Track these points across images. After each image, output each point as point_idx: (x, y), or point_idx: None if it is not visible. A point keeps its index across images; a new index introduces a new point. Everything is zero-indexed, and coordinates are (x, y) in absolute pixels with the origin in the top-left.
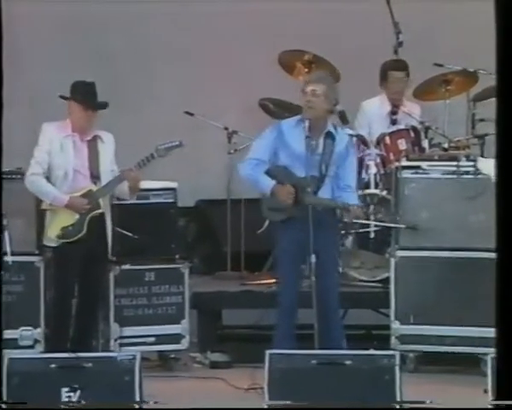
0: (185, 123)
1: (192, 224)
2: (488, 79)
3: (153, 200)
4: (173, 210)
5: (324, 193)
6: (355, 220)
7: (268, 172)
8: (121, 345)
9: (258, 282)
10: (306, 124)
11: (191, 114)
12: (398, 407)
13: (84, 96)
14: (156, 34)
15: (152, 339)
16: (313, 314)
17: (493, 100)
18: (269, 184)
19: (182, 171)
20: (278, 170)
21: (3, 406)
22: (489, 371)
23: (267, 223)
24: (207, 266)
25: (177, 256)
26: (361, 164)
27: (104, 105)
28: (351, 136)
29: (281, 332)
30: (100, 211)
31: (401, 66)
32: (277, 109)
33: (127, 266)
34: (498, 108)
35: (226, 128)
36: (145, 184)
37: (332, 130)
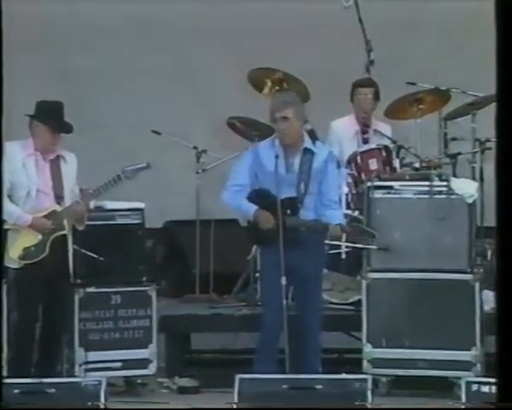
0: (152, 142)
1: (160, 245)
2: (460, 98)
3: (119, 221)
4: (140, 231)
5: (307, 212)
6: (332, 242)
7: (250, 197)
8: (86, 370)
9: (228, 305)
10: (276, 143)
11: (158, 133)
12: None
13: (50, 117)
14: (122, 51)
15: (118, 364)
16: (285, 337)
17: (465, 119)
18: (250, 209)
19: (149, 191)
20: (259, 193)
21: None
22: (463, 396)
23: (254, 248)
24: (176, 288)
25: (144, 278)
26: None
27: (70, 128)
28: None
29: (262, 357)
30: (63, 232)
31: (367, 82)
32: (245, 128)
33: (92, 289)
34: (498, 110)
35: (195, 147)
36: (111, 205)
37: (310, 146)
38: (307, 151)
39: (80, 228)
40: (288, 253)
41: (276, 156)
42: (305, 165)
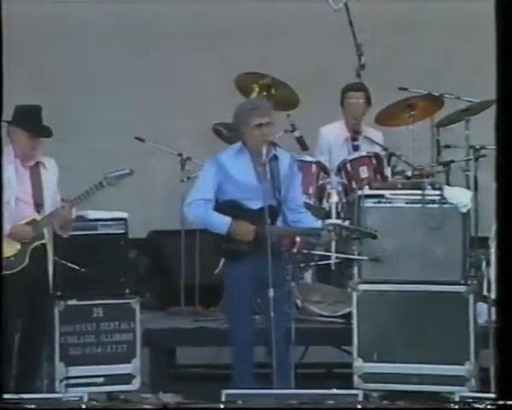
0: (136, 149)
1: (143, 256)
2: (454, 104)
3: (101, 231)
4: (123, 242)
5: (281, 221)
6: (319, 252)
7: (219, 209)
8: (67, 386)
9: (214, 318)
10: (246, 151)
11: (142, 140)
12: None
13: (28, 121)
14: (105, 55)
15: (100, 379)
16: (268, 352)
17: (459, 125)
18: (224, 221)
19: (133, 200)
20: (229, 205)
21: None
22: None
23: (222, 261)
24: (160, 301)
25: (127, 291)
26: (322, 192)
27: (49, 132)
28: (310, 163)
29: (238, 373)
30: (43, 241)
31: (358, 87)
32: (232, 135)
33: (73, 302)
34: (498, 110)
35: (179, 154)
36: (93, 214)
37: (275, 152)
38: (273, 158)
39: (65, 235)
40: (261, 264)
41: (270, 159)
42: (274, 172)
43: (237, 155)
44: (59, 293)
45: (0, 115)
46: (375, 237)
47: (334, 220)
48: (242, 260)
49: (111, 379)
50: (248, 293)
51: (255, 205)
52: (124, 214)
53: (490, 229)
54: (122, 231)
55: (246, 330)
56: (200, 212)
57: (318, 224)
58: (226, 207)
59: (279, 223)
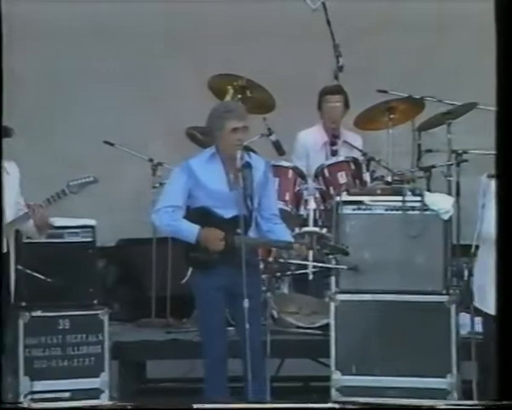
0: (105, 154)
1: (112, 265)
2: (435, 107)
3: (68, 239)
4: (91, 250)
5: (254, 230)
6: (295, 261)
7: (188, 217)
8: (32, 401)
9: (186, 330)
10: (218, 157)
11: (111, 144)
12: None
13: None
14: (75, 57)
15: (67, 394)
16: (242, 364)
17: (440, 129)
18: (193, 230)
19: (101, 207)
20: (200, 213)
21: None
22: None
23: (190, 271)
24: (130, 312)
25: (95, 301)
26: (299, 199)
27: (8, 132)
28: (286, 168)
29: (211, 387)
30: (4, 250)
31: (335, 90)
32: (206, 139)
33: (38, 313)
34: (498, 111)
35: (150, 160)
36: (60, 222)
37: (248, 159)
38: (246, 165)
39: (41, 237)
40: (234, 275)
41: (247, 164)
42: (247, 179)
43: (209, 161)
44: (23, 304)
45: (0, 115)
46: (346, 253)
47: (311, 228)
48: (212, 270)
49: (78, 394)
50: (220, 304)
51: (227, 214)
52: (92, 222)
53: (472, 236)
54: (90, 240)
55: (217, 343)
56: (168, 219)
57: (290, 236)
58: (197, 215)
59: (252, 233)
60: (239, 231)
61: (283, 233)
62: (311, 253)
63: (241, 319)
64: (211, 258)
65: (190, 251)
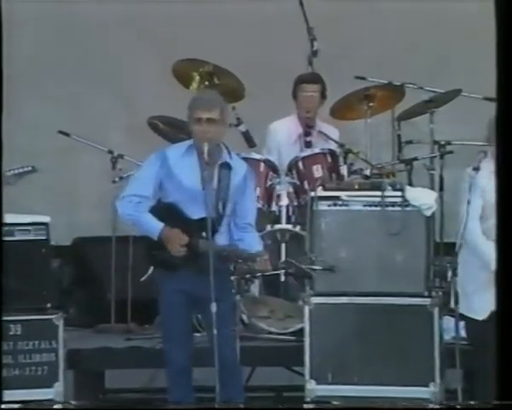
0: (59, 145)
1: (68, 266)
2: (416, 94)
3: (19, 237)
4: (45, 249)
5: (222, 236)
6: (261, 274)
7: (154, 211)
8: None
9: (149, 336)
10: (195, 150)
11: (66, 135)
12: None
13: None
14: (30, 43)
15: (17, 405)
16: (212, 373)
17: (422, 118)
18: (156, 227)
19: (56, 202)
20: (166, 209)
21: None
22: None
23: (151, 269)
24: (87, 317)
25: (48, 305)
26: (270, 194)
27: None
28: (258, 161)
29: (175, 396)
30: None
31: (313, 78)
32: (169, 129)
33: None
34: (498, 110)
35: (110, 151)
36: (10, 218)
37: (228, 159)
38: (225, 165)
39: None
40: (196, 279)
41: (207, 163)
42: (223, 181)
43: (185, 154)
44: None
45: (0, 115)
46: (310, 276)
47: (283, 225)
48: (174, 272)
49: (30, 405)
50: (181, 308)
51: (195, 214)
52: (45, 218)
53: (457, 234)
54: (43, 238)
55: (179, 349)
56: (130, 210)
57: (259, 247)
58: (164, 210)
59: (221, 238)
60: (204, 234)
61: (251, 242)
62: (283, 251)
63: (210, 325)
64: (173, 259)
65: (152, 249)
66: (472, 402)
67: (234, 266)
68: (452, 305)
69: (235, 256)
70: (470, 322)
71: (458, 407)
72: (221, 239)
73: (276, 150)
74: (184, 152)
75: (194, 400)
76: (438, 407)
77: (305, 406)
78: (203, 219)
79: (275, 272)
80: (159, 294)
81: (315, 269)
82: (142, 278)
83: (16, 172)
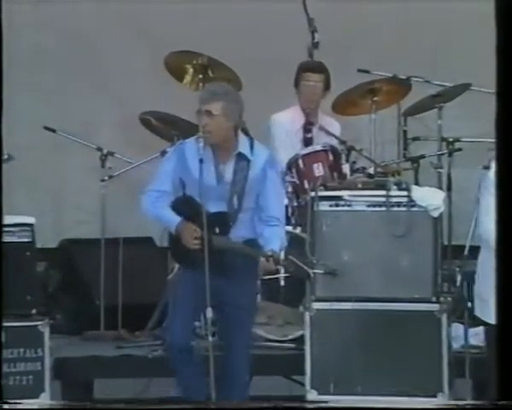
0: (45, 142)
1: (54, 269)
2: (423, 89)
3: (2, 239)
4: (29, 252)
5: (239, 232)
6: (265, 277)
7: (174, 205)
8: None
9: (140, 344)
10: (200, 143)
11: (53, 131)
12: None
13: None
14: (10, 36)
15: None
16: (211, 383)
17: (429, 114)
18: (173, 220)
19: (41, 202)
20: (184, 203)
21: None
22: None
23: (176, 268)
24: (74, 323)
25: (34, 311)
26: None
27: None
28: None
29: (182, 379)
30: None
31: (317, 67)
32: (162, 125)
33: None
34: (498, 109)
35: (99, 149)
36: None
37: (244, 150)
38: (241, 157)
39: None
40: (214, 279)
41: (201, 160)
42: (239, 174)
43: (196, 147)
44: None
45: (0, 115)
46: (308, 277)
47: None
48: (190, 269)
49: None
50: (189, 305)
51: (212, 208)
52: (30, 219)
53: (466, 236)
54: (28, 240)
55: (179, 332)
56: (148, 205)
57: (277, 246)
58: (183, 204)
59: (239, 232)
60: (217, 230)
61: (271, 240)
62: (282, 254)
63: (226, 331)
64: (190, 255)
65: (174, 245)
66: (472, 402)
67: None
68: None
69: (242, 254)
70: (488, 328)
71: (458, 407)
72: (239, 235)
73: (282, 142)
74: (194, 146)
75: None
76: (438, 407)
77: (305, 406)
78: (216, 214)
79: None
80: (177, 283)
81: (316, 273)
82: (169, 276)
83: None
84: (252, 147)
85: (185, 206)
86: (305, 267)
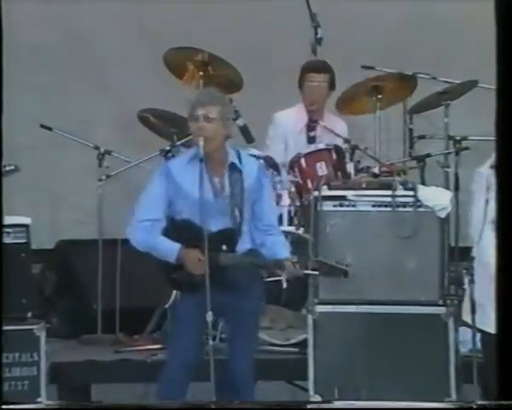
0: (42, 140)
1: (51, 271)
2: (429, 86)
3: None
4: (25, 253)
5: (244, 244)
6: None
7: (167, 232)
8: None
9: (139, 348)
10: (201, 143)
11: (49, 129)
12: None
13: None
14: (11, 32)
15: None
16: (212, 390)
17: (435, 112)
18: (172, 249)
19: (37, 202)
20: (179, 227)
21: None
22: None
23: (175, 294)
24: (71, 327)
25: (29, 314)
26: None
27: None
28: (258, 158)
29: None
30: None
31: (321, 67)
32: (161, 123)
33: None
34: (498, 109)
35: (96, 147)
36: None
37: (235, 160)
38: (234, 167)
39: None
40: (218, 296)
41: (201, 160)
42: (235, 185)
43: (189, 163)
44: None
45: (0, 115)
46: (346, 274)
47: (284, 228)
48: (199, 291)
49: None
50: (192, 321)
51: (212, 227)
52: (26, 220)
53: (473, 237)
54: (23, 241)
55: (180, 360)
56: (145, 236)
57: (286, 252)
58: (178, 228)
59: (244, 245)
60: (224, 247)
61: (277, 247)
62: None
63: (233, 336)
64: (195, 279)
65: (172, 272)
66: (473, 402)
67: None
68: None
69: (260, 265)
70: (487, 336)
71: (459, 407)
72: (244, 247)
73: (282, 143)
74: (188, 162)
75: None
76: (439, 407)
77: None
78: (221, 231)
79: (310, 273)
80: (176, 314)
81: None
82: (167, 305)
83: None
84: (239, 157)
85: (181, 230)
86: (339, 265)
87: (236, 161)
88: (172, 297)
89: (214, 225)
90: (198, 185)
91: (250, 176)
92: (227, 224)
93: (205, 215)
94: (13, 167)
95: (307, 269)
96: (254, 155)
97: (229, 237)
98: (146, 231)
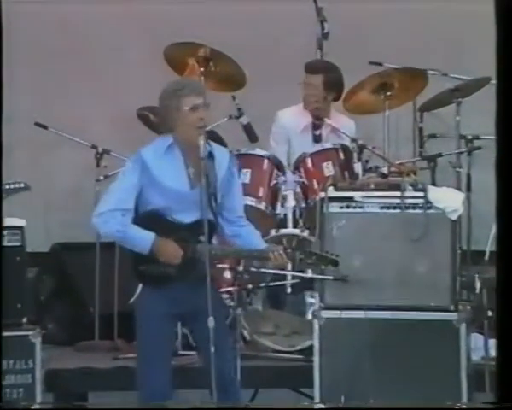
0: (37, 139)
1: (46, 275)
2: (440, 82)
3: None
4: (20, 257)
5: (217, 236)
6: (270, 271)
7: (139, 222)
8: None
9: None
10: (177, 146)
11: (44, 127)
12: None
13: None
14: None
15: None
16: (213, 395)
17: (447, 109)
18: (147, 239)
19: (32, 204)
20: (151, 217)
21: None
22: None
23: (140, 288)
24: (67, 333)
25: (24, 320)
26: (275, 195)
27: None
28: (249, 156)
29: None
30: None
31: (314, 68)
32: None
33: None
34: (498, 109)
35: (94, 146)
36: None
37: (210, 149)
38: (208, 157)
39: None
40: (185, 290)
41: (202, 159)
42: (210, 174)
43: (166, 153)
44: None
45: (0, 115)
46: (336, 264)
47: (290, 230)
48: (169, 285)
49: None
50: (170, 329)
51: (187, 218)
52: (20, 222)
53: (486, 240)
54: (18, 244)
55: (158, 375)
56: (115, 226)
57: (262, 241)
58: (149, 218)
59: (214, 240)
60: (202, 238)
61: (253, 238)
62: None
63: (204, 342)
64: (167, 271)
65: (139, 263)
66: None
67: (233, 275)
68: None
69: (243, 256)
70: None
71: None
72: (214, 240)
73: (286, 142)
74: (165, 151)
75: None
76: (440, 407)
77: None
78: (197, 222)
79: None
80: (143, 311)
81: (326, 279)
82: (131, 300)
83: (7, 187)
84: (210, 145)
85: (153, 220)
86: (329, 255)
87: (211, 150)
88: (138, 291)
89: (189, 217)
90: (174, 176)
91: (222, 166)
92: (203, 214)
93: (179, 206)
94: (22, 185)
95: (294, 260)
96: (258, 154)
97: (208, 227)
98: (118, 221)
